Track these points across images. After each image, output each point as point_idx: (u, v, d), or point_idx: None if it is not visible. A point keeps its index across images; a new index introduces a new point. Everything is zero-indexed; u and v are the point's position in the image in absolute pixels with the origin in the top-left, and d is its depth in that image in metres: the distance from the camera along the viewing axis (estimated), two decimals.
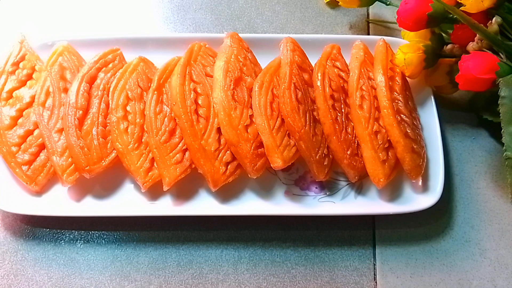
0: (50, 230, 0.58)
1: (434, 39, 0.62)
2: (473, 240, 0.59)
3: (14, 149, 0.58)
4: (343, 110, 0.59)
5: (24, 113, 0.60)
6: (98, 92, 0.60)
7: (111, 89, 0.59)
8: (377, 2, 0.72)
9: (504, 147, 0.56)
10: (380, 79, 0.59)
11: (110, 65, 0.62)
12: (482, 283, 0.56)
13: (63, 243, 0.58)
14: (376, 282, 0.56)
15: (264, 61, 0.62)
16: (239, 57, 0.60)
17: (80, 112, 0.58)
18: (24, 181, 0.57)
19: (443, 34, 0.64)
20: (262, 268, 0.57)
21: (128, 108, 0.59)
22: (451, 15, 0.58)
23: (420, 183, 0.59)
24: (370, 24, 0.75)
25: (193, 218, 0.58)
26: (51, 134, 0.58)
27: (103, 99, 0.59)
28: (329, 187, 0.60)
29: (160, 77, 0.60)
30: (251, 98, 0.58)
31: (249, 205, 0.58)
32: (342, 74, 0.61)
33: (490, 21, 0.58)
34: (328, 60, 0.61)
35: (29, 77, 0.62)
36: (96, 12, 0.76)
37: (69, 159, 0.57)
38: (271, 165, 0.55)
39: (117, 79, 0.60)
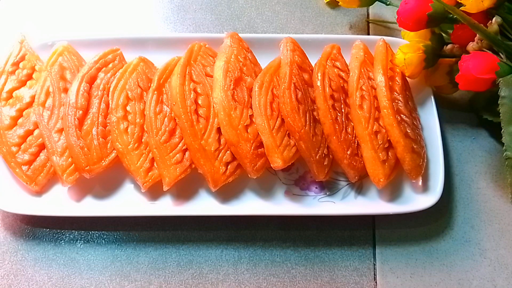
0: (50, 230, 0.58)
1: (434, 39, 0.62)
2: (473, 240, 0.59)
3: (14, 149, 0.58)
4: (343, 110, 0.59)
5: (24, 113, 0.60)
6: (98, 92, 0.60)
7: (111, 89, 0.59)
8: (377, 2, 0.72)
9: (504, 147, 0.56)
10: (380, 79, 0.59)
11: (110, 65, 0.62)
12: (482, 283, 0.56)
13: (63, 243, 0.58)
14: (376, 282, 0.56)
15: (264, 61, 0.62)
16: (239, 57, 0.60)
17: (80, 112, 0.58)
18: (24, 181, 0.57)
19: (443, 34, 0.64)
20: (262, 268, 0.57)
21: (128, 108, 0.59)
22: (451, 15, 0.58)
23: (420, 183, 0.59)
24: (370, 24, 0.75)
25: (193, 218, 0.58)
26: (51, 134, 0.58)
27: (103, 99, 0.59)
28: (329, 187, 0.60)
29: (160, 77, 0.60)
30: (251, 98, 0.58)
31: (249, 205, 0.58)
32: (342, 74, 0.61)
33: (490, 21, 0.58)
34: (328, 60, 0.61)
35: (29, 77, 0.62)
36: (96, 12, 0.76)
37: (69, 159, 0.57)
38: (271, 165, 0.55)
39: (117, 79, 0.60)
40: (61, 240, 0.58)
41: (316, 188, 0.59)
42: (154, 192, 0.58)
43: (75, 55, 0.64)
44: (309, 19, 0.76)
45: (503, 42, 0.57)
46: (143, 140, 0.58)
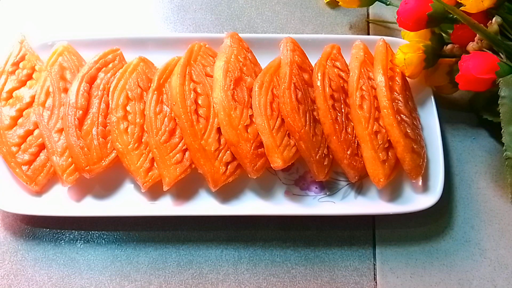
0: (50, 230, 0.58)
1: (434, 39, 0.62)
2: (473, 240, 0.59)
3: (14, 149, 0.58)
4: (343, 110, 0.59)
5: (24, 113, 0.60)
6: (98, 92, 0.60)
7: (111, 89, 0.59)
8: (377, 2, 0.72)
9: (504, 147, 0.56)
10: (380, 79, 0.59)
11: (110, 65, 0.62)
12: (482, 283, 0.56)
13: (63, 243, 0.58)
14: (376, 282, 0.56)
15: (264, 61, 0.62)
16: (239, 57, 0.60)
17: (80, 112, 0.58)
18: (24, 181, 0.57)
19: (443, 34, 0.64)
20: (262, 268, 0.57)
21: (128, 108, 0.59)
22: (451, 15, 0.58)
23: (420, 183, 0.59)
24: (370, 24, 0.75)
25: (193, 218, 0.58)
26: (51, 134, 0.58)
27: (103, 99, 0.59)
28: (329, 187, 0.60)
29: (160, 77, 0.60)
30: (251, 98, 0.58)
31: (249, 205, 0.58)
32: (342, 74, 0.61)
33: (490, 21, 0.58)
34: (328, 60, 0.61)
35: (29, 77, 0.62)
36: (96, 12, 0.76)
37: (69, 159, 0.57)
38: (271, 165, 0.55)
39: (117, 79, 0.60)
40: (61, 240, 0.58)
41: (316, 188, 0.59)
42: (154, 192, 0.58)
43: (75, 55, 0.63)
44: (309, 19, 0.76)
45: (503, 42, 0.57)
46: (143, 140, 0.58)
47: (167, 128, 0.57)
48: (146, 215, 0.57)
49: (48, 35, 0.67)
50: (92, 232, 0.58)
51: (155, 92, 0.59)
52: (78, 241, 0.58)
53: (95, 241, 0.58)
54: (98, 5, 0.76)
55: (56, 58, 0.62)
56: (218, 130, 0.57)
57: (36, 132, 0.59)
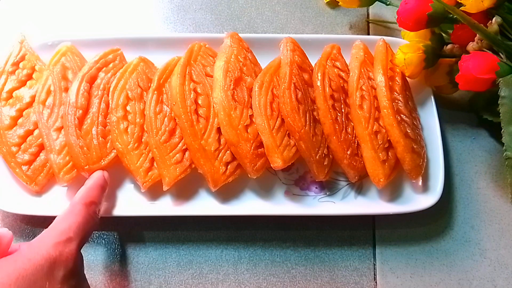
0: None
1: (434, 39, 0.62)
2: (473, 240, 0.59)
3: (14, 149, 0.58)
4: (343, 110, 0.59)
5: (24, 113, 0.60)
6: (98, 91, 0.60)
7: (111, 89, 0.59)
8: (377, 2, 0.72)
9: (504, 147, 0.56)
10: (380, 79, 0.59)
11: (111, 65, 0.62)
12: (482, 283, 0.56)
13: None
14: (376, 282, 0.56)
15: (264, 61, 0.62)
16: (239, 57, 0.60)
17: (80, 111, 0.58)
18: (24, 181, 0.57)
19: (443, 34, 0.64)
20: (262, 268, 0.57)
21: (128, 108, 0.59)
22: (451, 15, 0.58)
23: (420, 183, 0.59)
24: (370, 24, 0.75)
25: (193, 218, 0.58)
26: (49, 132, 0.58)
27: (103, 98, 0.59)
28: (329, 187, 0.60)
29: (160, 77, 0.60)
30: (251, 98, 0.58)
31: (249, 205, 0.58)
32: (342, 74, 0.61)
33: (490, 21, 0.58)
34: (328, 60, 0.61)
35: (29, 77, 0.62)
36: (97, 12, 0.76)
37: (67, 158, 0.57)
38: (271, 165, 0.55)
39: (117, 79, 0.60)
40: None
41: (316, 188, 0.59)
42: (154, 192, 0.58)
43: (78, 56, 0.63)
44: (309, 19, 0.76)
45: (503, 42, 0.57)
46: (143, 140, 0.58)
47: (167, 128, 0.57)
48: (146, 215, 0.57)
49: (48, 35, 0.67)
50: (92, 232, 0.58)
51: (155, 92, 0.59)
52: None
53: (95, 241, 0.58)
54: (98, 5, 0.76)
55: (59, 58, 0.62)
56: (218, 130, 0.57)
57: (36, 132, 0.59)
